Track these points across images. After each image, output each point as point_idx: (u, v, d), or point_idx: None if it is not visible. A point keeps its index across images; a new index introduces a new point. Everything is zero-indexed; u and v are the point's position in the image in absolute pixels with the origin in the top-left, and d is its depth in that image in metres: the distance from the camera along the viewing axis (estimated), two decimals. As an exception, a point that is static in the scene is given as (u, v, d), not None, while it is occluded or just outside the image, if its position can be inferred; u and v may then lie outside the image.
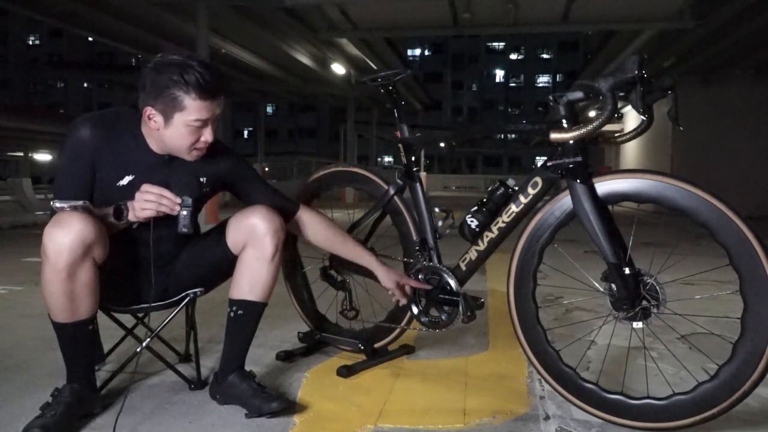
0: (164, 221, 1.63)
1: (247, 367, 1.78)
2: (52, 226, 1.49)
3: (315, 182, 2.32)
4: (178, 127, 1.60)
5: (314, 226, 1.90)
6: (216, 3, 8.93)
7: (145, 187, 1.58)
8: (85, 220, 1.49)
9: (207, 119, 1.61)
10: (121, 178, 1.65)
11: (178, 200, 1.58)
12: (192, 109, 1.58)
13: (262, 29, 11.08)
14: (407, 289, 1.97)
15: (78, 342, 1.59)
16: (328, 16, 10.79)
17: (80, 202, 1.52)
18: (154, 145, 1.67)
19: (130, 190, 1.61)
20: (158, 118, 1.60)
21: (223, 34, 11.44)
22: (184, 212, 1.58)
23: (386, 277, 1.94)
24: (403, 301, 1.98)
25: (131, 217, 1.59)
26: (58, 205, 1.51)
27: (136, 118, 1.66)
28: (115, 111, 1.74)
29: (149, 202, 1.56)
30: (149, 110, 1.59)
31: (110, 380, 1.80)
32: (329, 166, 2.36)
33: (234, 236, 1.74)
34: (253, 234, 1.70)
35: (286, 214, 1.82)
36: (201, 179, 1.73)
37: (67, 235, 1.47)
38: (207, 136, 1.64)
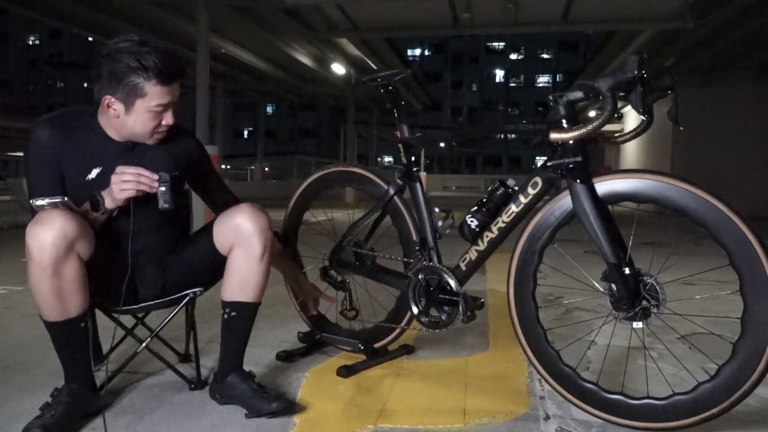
0: (142, 209, 1.64)
1: (247, 367, 1.77)
2: (34, 225, 1.48)
3: (315, 182, 2.32)
4: (139, 113, 1.61)
5: None
6: (216, 3, 8.92)
7: (121, 168, 1.58)
8: (65, 216, 1.49)
9: (168, 103, 1.63)
10: (89, 172, 1.65)
11: (156, 176, 1.58)
12: (153, 94, 1.59)
13: (262, 29, 11.07)
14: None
15: (72, 340, 1.59)
16: (328, 16, 10.77)
17: (59, 199, 1.52)
18: (113, 134, 1.68)
19: (101, 182, 1.62)
20: (118, 106, 1.61)
21: (223, 34, 11.42)
22: (163, 188, 1.59)
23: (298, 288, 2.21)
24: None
25: (108, 204, 1.59)
26: (38, 203, 1.52)
27: (90, 111, 1.69)
28: (68, 110, 1.75)
29: (127, 182, 1.56)
30: (108, 99, 1.60)
31: (110, 380, 1.80)
32: (329, 166, 2.36)
33: (220, 237, 1.73)
34: (239, 234, 1.69)
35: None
36: (171, 156, 1.75)
37: (48, 231, 1.47)
38: (168, 119, 1.66)
